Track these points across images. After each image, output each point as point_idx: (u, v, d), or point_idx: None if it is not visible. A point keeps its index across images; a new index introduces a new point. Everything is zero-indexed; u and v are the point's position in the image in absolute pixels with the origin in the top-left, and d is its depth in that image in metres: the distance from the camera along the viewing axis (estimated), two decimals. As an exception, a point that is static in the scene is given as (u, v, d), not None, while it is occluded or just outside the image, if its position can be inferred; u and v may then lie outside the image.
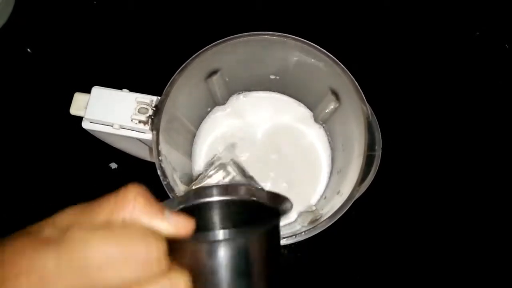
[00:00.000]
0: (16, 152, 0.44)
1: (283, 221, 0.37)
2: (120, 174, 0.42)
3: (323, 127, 0.41)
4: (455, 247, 0.41)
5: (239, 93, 0.41)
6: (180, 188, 0.32)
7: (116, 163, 0.43)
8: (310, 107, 0.41)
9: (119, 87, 0.32)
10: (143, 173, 0.39)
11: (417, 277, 0.40)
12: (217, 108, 0.41)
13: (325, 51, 0.32)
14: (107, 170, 0.43)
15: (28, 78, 0.46)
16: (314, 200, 0.39)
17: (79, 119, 0.32)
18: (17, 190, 0.43)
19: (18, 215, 0.42)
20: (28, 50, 0.47)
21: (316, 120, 0.41)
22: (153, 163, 0.31)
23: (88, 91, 0.32)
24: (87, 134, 0.33)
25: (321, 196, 0.39)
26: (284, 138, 0.41)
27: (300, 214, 0.37)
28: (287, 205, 0.20)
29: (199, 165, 0.40)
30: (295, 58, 0.35)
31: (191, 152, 0.41)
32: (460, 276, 0.40)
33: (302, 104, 0.42)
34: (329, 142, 0.41)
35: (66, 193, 0.42)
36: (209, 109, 0.41)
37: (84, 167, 0.43)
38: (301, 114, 0.42)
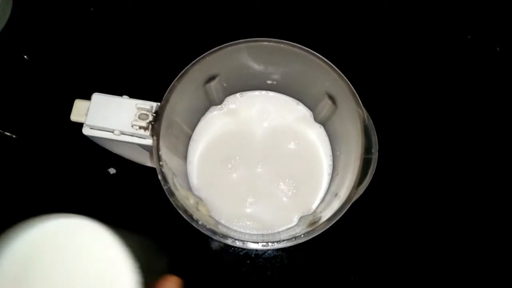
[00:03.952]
0: (16, 158, 0.44)
1: (285, 226, 0.38)
2: (119, 180, 0.43)
3: (323, 127, 0.41)
4: (452, 249, 0.41)
5: (235, 92, 0.41)
6: (180, 193, 0.32)
7: (115, 168, 0.43)
8: (309, 107, 0.41)
9: (119, 93, 0.32)
10: (142, 178, 0.39)
11: (415, 278, 0.41)
12: (213, 107, 0.41)
13: (321, 56, 0.33)
14: (105, 175, 0.43)
15: (27, 85, 0.46)
16: (316, 203, 0.39)
17: (79, 125, 0.32)
18: (17, 195, 0.43)
19: (17, 219, 0.42)
20: (25, 57, 0.47)
21: (316, 120, 0.41)
22: (152, 169, 0.31)
23: (88, 97, 0.32)
24: (86, 140, 0.34)
25: (322, 199, 0.39)
26: (284, 138, 0.40)
27: (301, 218, 0.37)
28: None
29: (193, 165, 0.40)
30: (292, 64, 0.35)
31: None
32: (458, 278, 0.41)
33: (301, 103, 0.41)
34: (330, 143, 0.40)
35: (65, 198, 0.42)
36: (206, 111, 0.41)
37: (83, 172, 0.43)
38: (301, 113, 0.41)
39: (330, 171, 0.39)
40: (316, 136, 0.40)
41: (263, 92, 0.42)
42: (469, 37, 0.48)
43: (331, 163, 0.40)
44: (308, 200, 0.39)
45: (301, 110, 0.41)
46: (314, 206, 0.38)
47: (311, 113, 0.41)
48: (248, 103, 0.41)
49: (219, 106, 0.41)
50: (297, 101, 0.41)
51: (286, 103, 0.41)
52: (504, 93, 0.46)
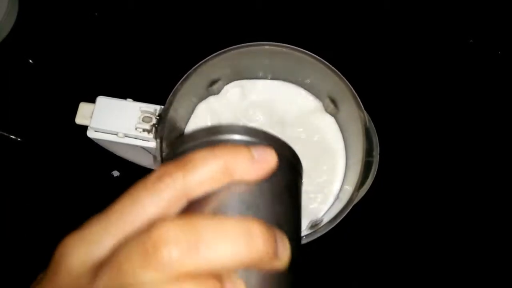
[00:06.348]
0: (21, 161, 0.44)
1: None
2: (122, 182, 0.43)
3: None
4: (453, 252, 0.41)
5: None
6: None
7: (118, 171, 0.43)
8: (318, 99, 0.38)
9: (123, 96, 0.33)
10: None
11: (416, 281, 0.41)
12: (212, 97, 0.38)
13: (322, 59, 0.33)
14: (109, 178, 0.43)
15: (32, 89, 0.46)
16: (326, 208, 0.36)
17: (84, 128, 0.33)
18: (22, 197, 0.43)
19: (21, 221, 0.42)
20: (30, 61, 0.48)
21: (326, 110, 0.38)
22: (156, 171, 0.31)
23: (92, 101, 0.33)
24: (90, 142, 0.34)
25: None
26: (293, 130, 0.37)
27: (310, 223, 0.35)
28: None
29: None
30: (293, 66, 0.36)
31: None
32: (458, 278, 0.41)
33: (310, 93, 0.38)
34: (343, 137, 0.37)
35: (70, 200, 0.43)
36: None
37: (87, 174, 0.43)
38: (310, 103, 0.38)
39: (344, 167, 0.36)
40: (328, 126, 0.37)
41: (269, 81, 0.38)
42: (471, 41, 0.48)
43: (344, 158, 0.36)
44: (319, 206, 0.36)
45: (311, 99, 0.38)
46: (324, 210, 0.36)
47: (321, 103, 0.38)
48: (253, 93, 0.38)
49: (218, 95, 0.38)
50: (307, 91, 0.38)
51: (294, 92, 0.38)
52: (506, 96, 0.46)
